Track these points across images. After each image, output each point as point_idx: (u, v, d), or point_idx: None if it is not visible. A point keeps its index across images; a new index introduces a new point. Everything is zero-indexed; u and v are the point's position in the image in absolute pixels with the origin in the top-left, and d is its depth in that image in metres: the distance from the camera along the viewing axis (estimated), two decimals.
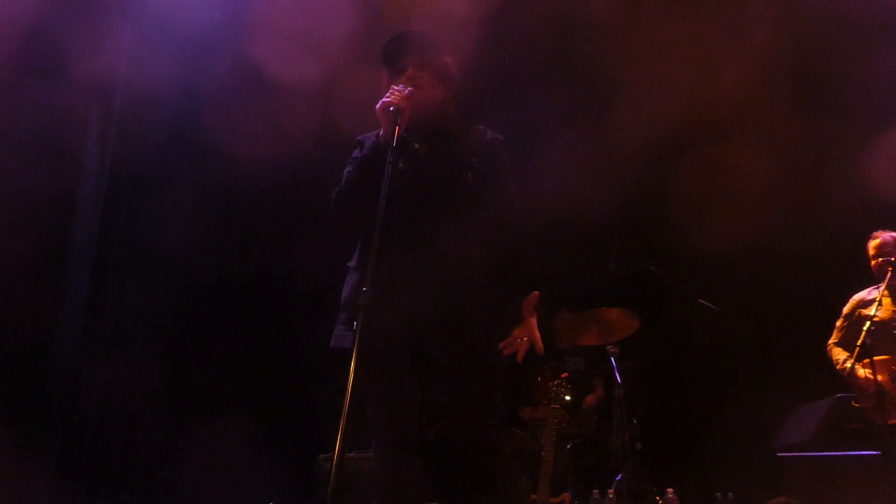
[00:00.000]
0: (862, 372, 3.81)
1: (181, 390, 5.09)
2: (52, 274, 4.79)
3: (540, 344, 2.42)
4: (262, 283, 5.46)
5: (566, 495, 4.33)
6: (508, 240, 2.50)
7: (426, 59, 2.60)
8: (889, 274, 3.78)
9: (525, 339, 2.36)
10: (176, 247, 5.12)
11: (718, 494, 4.33)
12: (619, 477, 4.36)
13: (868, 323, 3.57)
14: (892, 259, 3.61)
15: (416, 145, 2.54)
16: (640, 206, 5.70)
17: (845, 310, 4.36)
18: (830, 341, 4.38)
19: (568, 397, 4.38)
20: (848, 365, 3.82)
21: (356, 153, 2.58)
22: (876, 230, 4.29)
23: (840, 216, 4.88)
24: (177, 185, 5.40)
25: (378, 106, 2.40)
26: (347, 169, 2.57)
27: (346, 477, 3.99)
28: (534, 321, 2.41)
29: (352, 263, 2.54)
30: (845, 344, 4.23)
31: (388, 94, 2.42)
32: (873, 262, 4.18)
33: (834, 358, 4.27)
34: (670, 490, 4.25)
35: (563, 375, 4.47)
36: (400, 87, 2.44)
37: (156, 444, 4.93)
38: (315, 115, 5.16)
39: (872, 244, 4.23)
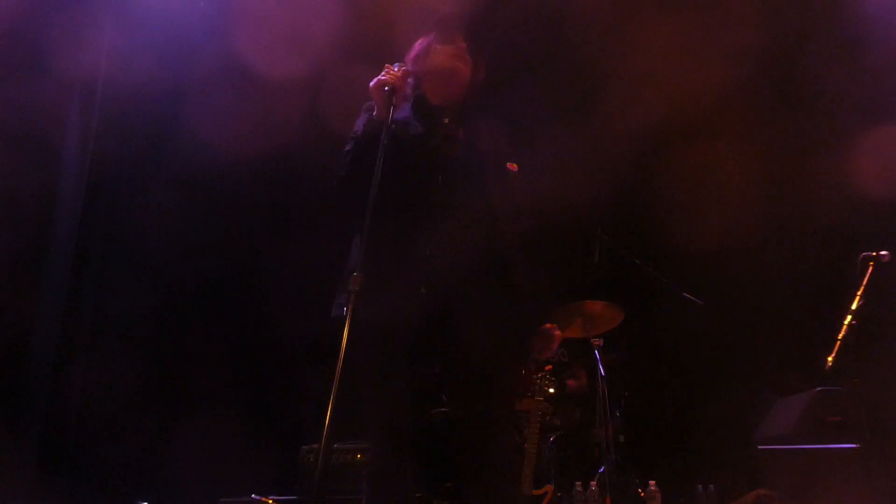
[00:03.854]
0: None
1: (163, 386, 5.07)
2: (31, 270, 4.74)
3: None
4: (243, 279, 5.43)
5: (549, 487, 4.34)
6: (511, 230, 2.50)
7: (479, 48, 2.62)
8: (870, 270, 3.79)
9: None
10: (157, 243, 5.09)
11: (700, 487, 4.37)
12: (601, 469, 4.38)
13: (849, 317, 3.58)
14: (874, 254, 3.62)
15: (446, 120, 2.51)
16: (624, 199, 5.72)
17: None
18: None
19: (551, 390, 4.39)
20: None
21: (359, 124, 2.52)
22: (862, 227, 4.26)
23: (823, 213, 4.91)
24: (158, 181, 5.36)
25: (372, 83, 2.37)
26: (347, 148, 2.53)
27: (331, 468, 3.98)
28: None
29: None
30: None
31: (382, 73, 2.39)
32: None
33: None
34: (652, 482, 4.29)
35: (547, 368, 4.48)
36: (395, 67, 2.41)
37: (138, 439, 4.91)
38: (298, 110, 5.13)
39: None
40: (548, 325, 2.47)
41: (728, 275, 5.32)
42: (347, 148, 2.51)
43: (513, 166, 2.54)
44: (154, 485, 4.76)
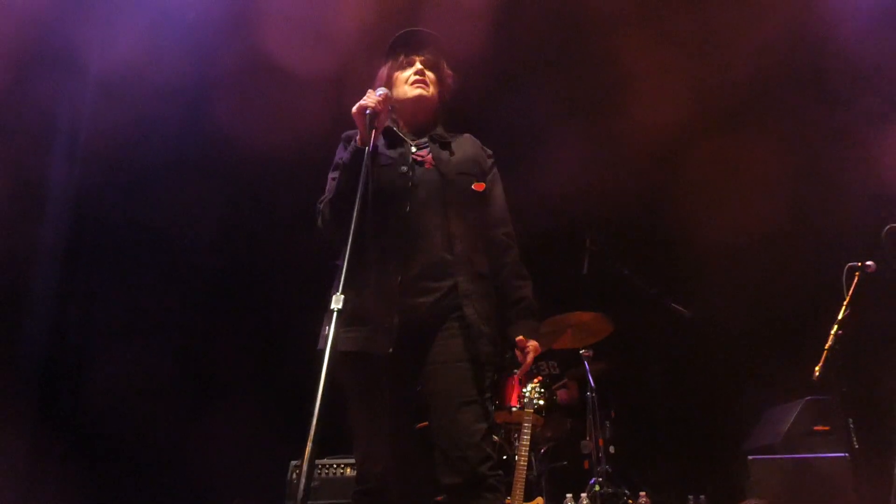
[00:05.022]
0: None
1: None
2: (22, 264, 4.79)
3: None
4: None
5: (540, 499, 4.33)
6: (503, 245, 2.54)
7: (436, 60, 2.64)
8: (856, 280, 3.81)
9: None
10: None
11: (691, 497, 4.36)
12: (592, 481, 4.38)
13: (835, 327, 3.60)
14: (858, 265, 3.64)
15: (413, 145, 2.54)
16: (614, 209, 5.73)
17: None
18: None
19: (542, 402, 4.40)
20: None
21: (340, 152, 2.57)
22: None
23: (815, 222, 4.94)
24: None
25: (354, 109, 2.39)
26: (331, 175, 2.57)
27: (317, 482, 3.98)
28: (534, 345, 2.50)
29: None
30: None
31: (364, 98, 2.42)
32: None
33: None
34: (643, 493, 4.28)
35: (537, 380, 4.48)
36: (378, 91, 2.44)
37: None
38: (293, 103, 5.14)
39: None
40: (518, 338, 2.50)
41: (717, 285, 5.34)
42: (332, 175, 2.54)
43: (479, 186, 2.57)
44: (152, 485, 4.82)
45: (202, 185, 5.31)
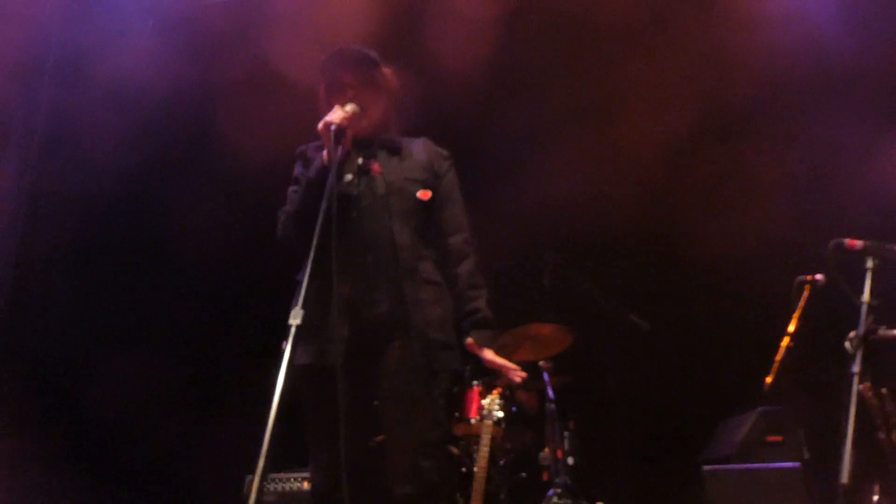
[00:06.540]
0: None
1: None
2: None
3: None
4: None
5: None
6: (458, 253, 2.55)
7: (366, 75, 2.61)
8: (806, 293, 3.89)
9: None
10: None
11: None
12: (550, 493, 4.40)
13: (786, 339, 3.68)
14: (808, 278, 3.72)
15: (360, 160, 2.54)
16: (575, 221, 5.77)
17: None
18: None
19: (501, 413, 4.41)
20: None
21: (298, 168, 2.57)
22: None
23: (767, 233, 5.02)
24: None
25: (320, 126, 2.39)
26: (292, 188, 2.56)
27: (273, 497, 3.95)
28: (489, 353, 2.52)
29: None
30: None
31: (330, 114, 2.42)
32: None
33: None
34: None
35: (497, 391, 4.49)
36: (347, 107, 2.44)
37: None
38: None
39: None
40: (468, 341, 2.52)
41: (677, 297, 5.42)
42: (293, 188, 2.54)
43: (425, 195, 2.57)
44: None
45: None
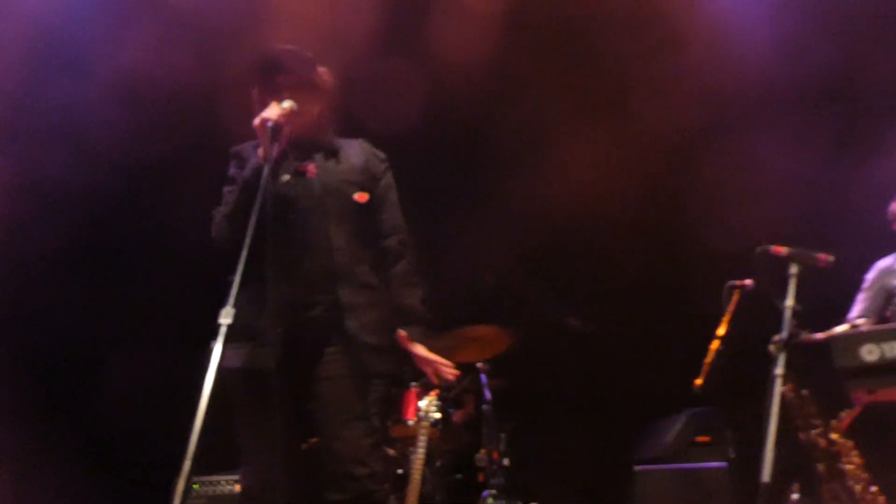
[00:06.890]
0: None
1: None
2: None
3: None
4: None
5: None
6: (394, 255, 2.55)
7: (300, 76, 2.58)
8: (735, 297, 3.99)
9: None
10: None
11: None
12: (485, 494, 4.42)
13: (716, 342, 3.77)
14: (737, 283, 3.82)
15: (295, 162, 2.51)
16: (517, 223, 5.79)
17: (869, 278, 4.22)
18: (851, 316, 4.19)
19: (438, 415, 4.40)
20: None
21: (233, 169, 2.54)
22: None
23: (700, 237, 5.13)
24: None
25: (256, 122, 2.36)
26: (227, 188, 2.52)
27: (203, 501, 3.88)
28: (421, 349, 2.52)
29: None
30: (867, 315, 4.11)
31: (266, 111, 2.38)
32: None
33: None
34: None
35: (433, 393, 4.49)
36: (284, 104, 2.41)
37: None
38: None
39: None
40: (401, 333, 2.52)
41: (612, 300, 5.50)
42: (228, 188, 2.50)
43: (362, 197, 2.56)
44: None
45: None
